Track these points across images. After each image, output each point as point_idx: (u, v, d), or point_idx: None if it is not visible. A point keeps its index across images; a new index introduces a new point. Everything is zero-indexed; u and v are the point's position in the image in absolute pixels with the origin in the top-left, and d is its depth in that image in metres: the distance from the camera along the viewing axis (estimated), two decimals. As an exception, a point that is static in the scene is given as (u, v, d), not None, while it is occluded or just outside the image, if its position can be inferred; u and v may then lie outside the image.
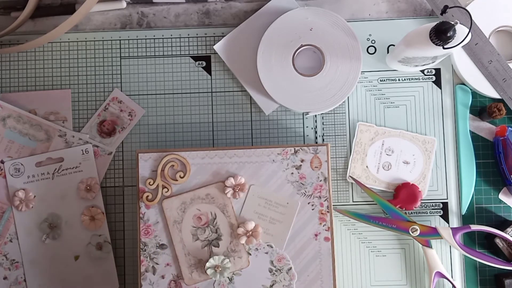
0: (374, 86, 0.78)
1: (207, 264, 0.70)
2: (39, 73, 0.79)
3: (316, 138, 0.78)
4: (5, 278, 0.76)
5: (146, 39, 0.79)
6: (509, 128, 0.74)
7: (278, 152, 0.71)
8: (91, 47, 0.79)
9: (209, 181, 0.71)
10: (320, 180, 0.71)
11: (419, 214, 0.76)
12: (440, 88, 0.78)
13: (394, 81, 0.78)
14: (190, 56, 0.79)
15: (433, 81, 0.78)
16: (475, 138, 0.77)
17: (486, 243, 0.76)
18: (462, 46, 0.73)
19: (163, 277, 0.71)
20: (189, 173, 0.71)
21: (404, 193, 0.75)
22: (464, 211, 0.76)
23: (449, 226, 0.76)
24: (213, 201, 0.71)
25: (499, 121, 0.77)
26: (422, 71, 0.78)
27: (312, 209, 0.71)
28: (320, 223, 0.71)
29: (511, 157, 0.73)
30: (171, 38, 0.79)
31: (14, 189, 0.76)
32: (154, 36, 0.79)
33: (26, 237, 0.76)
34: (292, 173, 0.71)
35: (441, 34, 0.63)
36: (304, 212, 0.71)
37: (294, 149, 0.71)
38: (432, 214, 0.76)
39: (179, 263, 0.71)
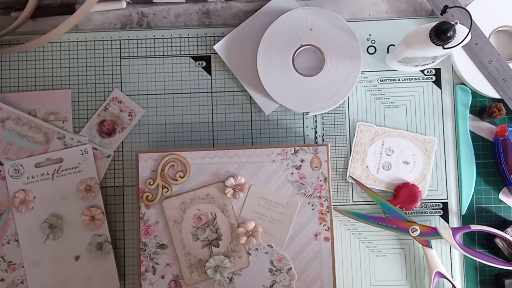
0: (374, 86, 0.78)
1: (207, 264, 0.70)
2: (39, 73, 0.79)
3: (316, 138, 0.78)
4: (2, 279, 0.76)
5: (146, 39, 0.79)
6: (509, 128, 0.74)
7: (278, 152, 0.71)
8: (91, 47, 0.79)
9: (209, 181, 0.71)
10: (320, 180, 0.71)
11: (419, 214, 0.76)
12: (440, 88, 0.78)
13: (394, 81, 0.78)
14: (190, 56, 0.79)
15: (433, 81, 0.78)
16: (475, 138, 0.77)
17: (486, 243, 0.76)
18: (462, 46, 0.73)
19: (163, 277, 0.71)
20: (189, 173, 0.71)
21: (404, 193, 0.75)
22: (464, 211, 0.76)
23: (449, 226, 0.76)
24: (213, 201, 0.71)
25: (499, 121, 0.77)
26: (422, 71, 0.78)
27: (312, 209, 0.71)
28: (320, 223, 0.71)
29: (511, 157, 0.73)
30: (171, 38, 0.79)
31: (14, 190, 0.76)
32: (154, 36, 0.79)
33: (26, 238, 0.76)
34: (292, 173, 0.71)
35: (441, 34, 0.63)
36: (304, 212, 0.71)
37: (294, 149, 0.71)
38: (432, 214, 0.76)
39: (179, 263, 0.71)
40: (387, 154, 0.76)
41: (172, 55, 0.79)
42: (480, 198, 0.76)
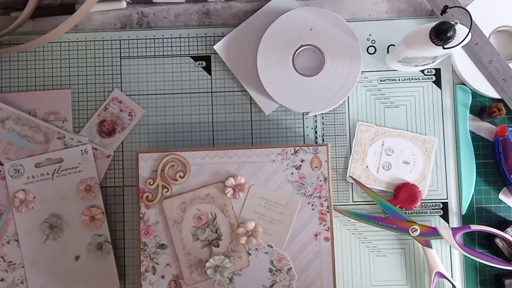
0: (374, 86, 0.78)
1: (207, 264, 0.70)
2: (39, 73, 0.79)
3: (316, 138, 0.78)
4: (2, 280, 0.76)
5: (146, 39, 0.79)
6: (509, 128, 0.74)
7: (278, 152, 0.71)
8: (91, 47, 0.79)
9: (209, 181, 0.71)
10: (320, 180, 0.71)
11: (419, 214, 0.76)
12: (440, 88, 0.78)
13: (394, 81, 0.78)
14: (190, 56, 0.79)
15: (433, 81, 0.78)
16: (475, 138, 0.77)
17: (486, 243, 0.76)
18: (462, 46, 0.73)
19: (163, 277, 0.71)
20: (189, 173, 0.71)
21: (404, 193, 0.75)
22: (464, 211, 0.76)
23: (449, 226, 0.76)
24: (213, 201, 0.71)
25: (499, 121, 0.77)
26: (422, 71, 0.78)
27: (312, 209, 0.71)
28: (320, 223, 0.71)
29: (511, 157, 0.73)
30: (171, 38, 0.79)
31: (14, 190, 0.76)
32: (154, 36, 0.79)
33: (26, 238, 0.76)
34: (292, 173, 0.71)
35: (441, 34, 0.63)
36: (304, 212, 0.71)
37: (294, 149, 0.71)
38: (432, 214, 0.76)
39: (179, 263, 0.71)
40: (387, 154, 0.76)
41: (172, 55, 0.79)
42: (480, 198, 0.76)
